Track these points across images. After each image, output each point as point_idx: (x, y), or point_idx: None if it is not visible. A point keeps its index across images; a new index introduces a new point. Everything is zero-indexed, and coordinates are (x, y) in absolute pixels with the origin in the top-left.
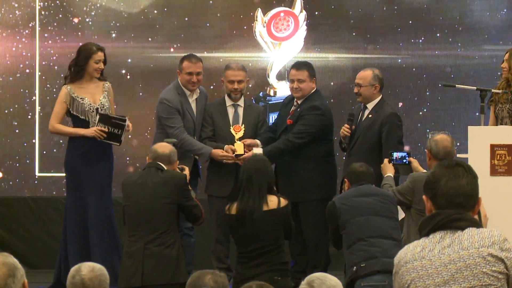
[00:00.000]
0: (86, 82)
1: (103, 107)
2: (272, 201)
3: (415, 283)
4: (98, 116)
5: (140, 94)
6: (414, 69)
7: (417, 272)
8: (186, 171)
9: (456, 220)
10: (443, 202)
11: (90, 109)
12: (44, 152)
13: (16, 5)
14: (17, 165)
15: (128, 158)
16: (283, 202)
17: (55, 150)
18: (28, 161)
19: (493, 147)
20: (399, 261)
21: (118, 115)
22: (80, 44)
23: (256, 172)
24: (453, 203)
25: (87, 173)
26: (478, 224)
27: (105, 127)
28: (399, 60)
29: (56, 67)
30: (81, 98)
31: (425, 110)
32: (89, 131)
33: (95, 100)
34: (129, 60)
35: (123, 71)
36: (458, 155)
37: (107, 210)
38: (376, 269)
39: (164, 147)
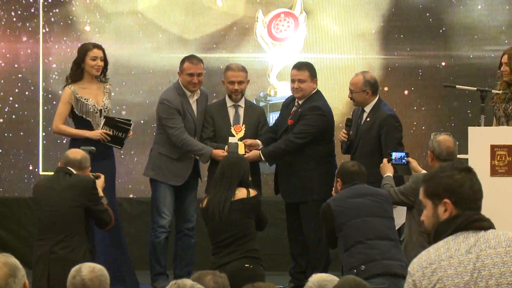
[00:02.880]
0: (88, 82)
1: (106, 108)
2: (241, 192)
3: (443, 282)
4: (103, 119)
5: (141, 94)
6: (411, 71)
7: (445, 271)
8: (101, 179)
9: (477, 221)
10: (466, 206)
11: (94, 110)
12: (48, 151)
13: (19, 5)
14: (21, 164)
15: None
16: (252, 192)
17: (58, 150)
18: (31, 161)
19: (493, 148)
20: (420, 263)
21: (123, 118)
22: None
23: (228, 167)
24: (474, 207)
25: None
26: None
27: (110, 130)
28: (397, 61)
29: (59, 67)
30: (85, 99)
31: (422, 111)
32: (95, 134)
33: (98, 101)
34: (130, 61)
35: (124, 72)
36: (458, 156)
37: (115, 208)
38: (376, 272)
39: (76, 152)
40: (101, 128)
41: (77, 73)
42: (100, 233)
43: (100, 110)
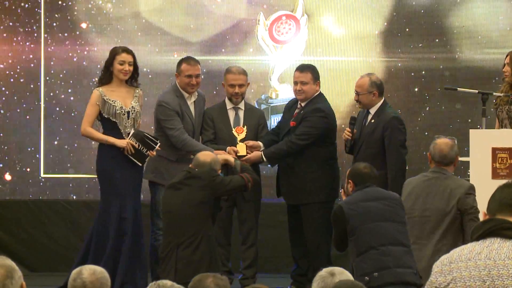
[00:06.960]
0: (117, 85)
1: (133, 110)
2: None
3: (455, 283)
4: (132, 131)
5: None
6: (413, 73)
7: (460, 272)
8: (223, 156)
9: (507, 229)
10: (493, 206)
11: (122, 112)
12: (49, 154)
13: (21, 8)
14: (22, 167)
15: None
16: None
17: (58, 152)
18: (32, 163)
19: (494, 150)
20: (442, 260)
21: (151, 135)
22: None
23: None
24: (504, 205)
25: (123, 176)
26: None
27: (136, 143)
28: (399, 64)
29: (60, 71)
30: (112, 101)
31: (424, 114)
32: (121, 142)
33: (126, 103)
34: None
35: None
36: (459, 159)
37: (139, 213)
38: (389, 280)
39: (206, 155)
40: (128, 139)
41: (106, 75)
42: (131, 236)
43: (128, 112)
